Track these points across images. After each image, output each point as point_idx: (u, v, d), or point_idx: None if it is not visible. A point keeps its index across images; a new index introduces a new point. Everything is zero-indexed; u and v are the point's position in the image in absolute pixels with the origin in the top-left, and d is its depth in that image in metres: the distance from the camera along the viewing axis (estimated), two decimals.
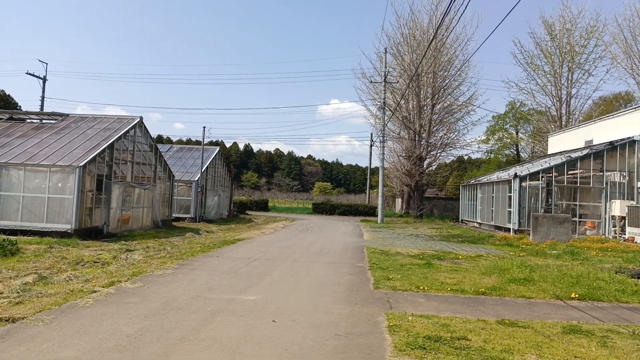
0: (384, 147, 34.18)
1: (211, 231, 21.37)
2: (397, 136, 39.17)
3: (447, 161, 46.60)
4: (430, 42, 28.37)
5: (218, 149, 32.76)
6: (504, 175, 25.31)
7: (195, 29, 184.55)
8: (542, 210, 20.66)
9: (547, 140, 33.26)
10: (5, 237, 12.55)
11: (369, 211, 42.85)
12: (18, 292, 7.02)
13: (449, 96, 37.76)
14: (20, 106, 69.09)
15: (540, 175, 21.20)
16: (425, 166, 38.07)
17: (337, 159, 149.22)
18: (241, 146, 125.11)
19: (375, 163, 46.73)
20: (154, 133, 21.31)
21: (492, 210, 25.00)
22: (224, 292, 7.66)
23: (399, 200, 49.71)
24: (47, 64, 38.27)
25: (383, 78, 33.29)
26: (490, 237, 20.22)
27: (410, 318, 6.25)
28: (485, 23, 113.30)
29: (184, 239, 16.95)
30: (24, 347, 4.67)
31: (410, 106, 37.91)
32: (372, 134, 48.70)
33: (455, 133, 38.56)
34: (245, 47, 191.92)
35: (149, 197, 20.58)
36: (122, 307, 6.42)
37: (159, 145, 24.62)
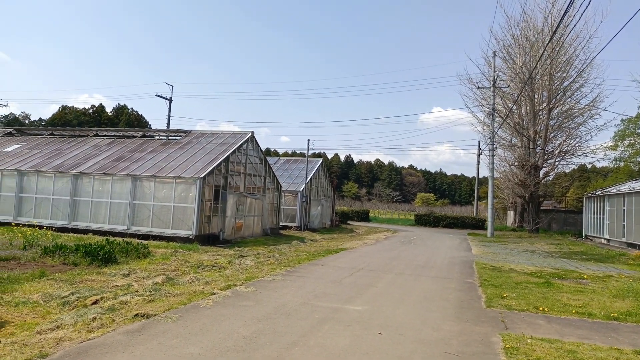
0: (493, 155, 32.24)
1: (315, 240, 21.94)
2: (509, 144, 36.69)
3: (567, 170, 42.27)
4: (548, 42, 26.24)
5: (321, 161, 33.67)
6: (637, 185, 22.32)
7: (297, 47, 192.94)
8: None
9: None
10: (138, 241, 14.20)
11: (477, 224, 40.63)
12: (150, 291, 7.87)
13: (569, 99, 34.39)
14: (150, 124, 78.22)
15: None
16: (541, 176, 35.04)
17: (440, 169, 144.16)
18: (342, 157, 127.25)
19: (484, 173, 44.34)
20: (262, 146, 22.66)
21: (624, 225, 22.15)
22: (330, 301, 7.79)
23: (511, 213, 46.37)
24: (172, 86, 42.83)
25: (492, 83, 31.54)
26: (621, 255, 17.91)
27: (529, 341, 5.77)
28: (611, 18, 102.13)
29: (291, 246, 17.62)
30: (156, 341, 5.22)
31: (523, 111, 35.33)
32: (479, 142, 46.33)
33: (577, 139, 34.91)
34: (347, 60, 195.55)
35: (259, 207, 21.82)
36: (237, 309, 6.86)
37: (267, 158, 26.03)
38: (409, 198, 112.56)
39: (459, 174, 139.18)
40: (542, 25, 33.20)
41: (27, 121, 76.12)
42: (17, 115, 75.48)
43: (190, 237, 16.12)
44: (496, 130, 32.81)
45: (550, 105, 34.07)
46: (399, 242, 22.52)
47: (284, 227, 27.13)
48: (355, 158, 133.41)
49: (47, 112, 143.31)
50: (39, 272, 8.86)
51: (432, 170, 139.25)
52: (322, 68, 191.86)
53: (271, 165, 25.17)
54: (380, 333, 5.95)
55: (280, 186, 25.31)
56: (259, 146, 22.04)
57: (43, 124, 73.00)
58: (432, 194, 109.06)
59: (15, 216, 18.58)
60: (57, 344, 4.97)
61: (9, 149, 22.19)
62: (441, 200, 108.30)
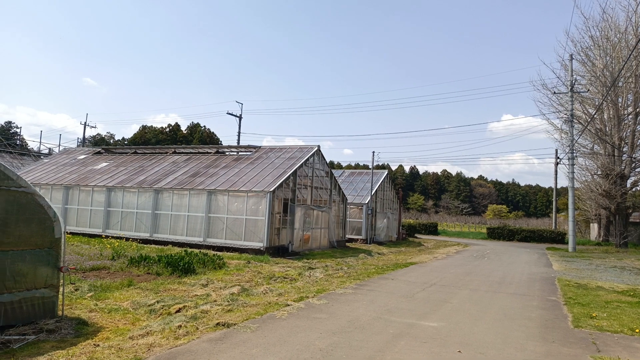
0: (573, 164, 30.17)
1: (382, 253, 21.68)
2: (590, 152, 34.22)
3: None
4: (635, 45, 24.27)
5: (386, 173, 33.32)
6: None
7: (359, 59, 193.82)
8: None
9: None
10: (214, 252, 14.82)
11: (556, 238, 38.10)
12: (228, 302, 8.18)
13: None
14: (220, 141, 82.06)
15: None
16: (628, 185, 32.23)
17: (512, 179, 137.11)
18: (406, 168, 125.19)
19: (562, 183, 41.73)
20: (326, 159, 22.89)
21: None
22: (403, 316, 7.65)
23: (594, 226, 43.07)
24: (242, 104, 44.75)
25: (569, 88, 29.69)
26: None
27: None
28: None
29: (358, 259, 17.55)
30: (238, 350, 5.41)
31: (605, 116, 32.85)
32: (556, 150, 43.68)
33: None
34: (411, 70, 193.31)
35: (325, 219, 22.01)
36: (312, 321, 6.94)
37: (332, 171, 26.24)
38: (479, 210, 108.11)
39: (533, 184, 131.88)
40: (625, 25, 30.85)
41: (111, 140, 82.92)
42: (103, 136, 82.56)
43: (261, 248, 16.58)
44: (576, 137, 30.75)
45: (637, 109, 31.39)
46: (472, 256, 21.66)
47: (350, 240, 27.08)
48: (421, 169, 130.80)
49: (128, 131, 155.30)
50: (127, 281, 9.54)
51: (504, 181, 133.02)
52: (387, 79, 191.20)
53: (336, 178, 25.33)
54: (459, 351, 5.75)
55: (346, 199, 25.38)
56: (324, 159, 22.31)
57: (126, 142, 79.14)
58: (504, 206, 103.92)
59: (104, 229, 20.18)
60: (149, 349, 5.32)
61: (99, 167, 24.24)
62: (514, 212, 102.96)
